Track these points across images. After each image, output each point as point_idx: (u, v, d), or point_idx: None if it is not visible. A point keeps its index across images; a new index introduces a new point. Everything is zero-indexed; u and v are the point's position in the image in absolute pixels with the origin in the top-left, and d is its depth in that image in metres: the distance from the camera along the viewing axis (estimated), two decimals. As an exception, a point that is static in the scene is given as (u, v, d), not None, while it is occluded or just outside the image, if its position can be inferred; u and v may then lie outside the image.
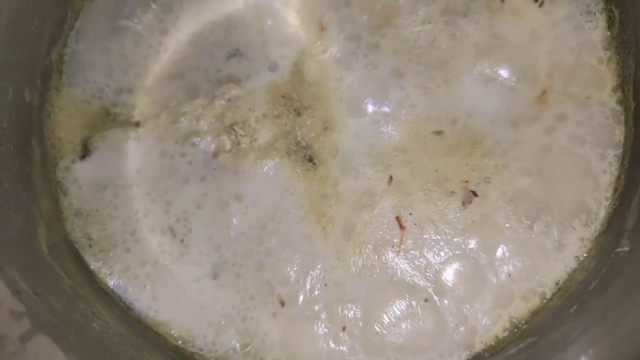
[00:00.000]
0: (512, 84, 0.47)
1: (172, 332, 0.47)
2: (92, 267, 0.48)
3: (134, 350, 0.41)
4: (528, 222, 0.44)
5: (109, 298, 0.46)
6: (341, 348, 0.44)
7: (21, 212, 0.44)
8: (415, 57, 0.49)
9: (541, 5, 0.48)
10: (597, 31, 0.47)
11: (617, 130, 0.45)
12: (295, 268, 0.46)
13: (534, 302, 0.43)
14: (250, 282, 0.48)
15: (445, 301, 0.43)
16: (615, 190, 0.44)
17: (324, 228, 0.47)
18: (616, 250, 0.39)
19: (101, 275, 0.48)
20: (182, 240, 0.49)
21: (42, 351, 0.33)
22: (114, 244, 0.49)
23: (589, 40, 0.47)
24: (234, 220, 0.49)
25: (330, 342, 0.44)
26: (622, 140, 0.45)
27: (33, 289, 0.37)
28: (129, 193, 0.50)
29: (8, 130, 0.45)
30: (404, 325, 0.43)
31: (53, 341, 0.34)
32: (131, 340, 0.42)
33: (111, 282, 0.48)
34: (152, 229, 0.50)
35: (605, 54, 0.47)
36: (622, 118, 0.45)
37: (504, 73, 0.48)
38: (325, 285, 0.45)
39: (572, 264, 0.43)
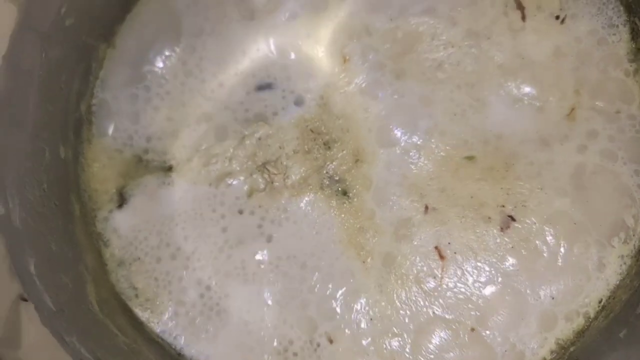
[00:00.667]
0: (540, 103, 0.47)
1: (225, 373, 0.48)
2: (140, 317, 0.49)
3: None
4: (567, 244, 0.44)
5: (161, 347, 0.47)
6: (393, 381, 0.45)
7: (70, 272, 0.45)
8: (440, 82, 0.49)
9: (563, 22, 0.48)
10: (621, 44, 0.47)
11: (650, 143, 0.45)
12: (339, 303, 0.47)
13: (579, 322, 0.44)
14: (297, 320, 0.48)
15: (491, 328, 0.44)
16: (651, 205, 0.44)
17: (364, 261, 0.48)
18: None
19: (150, 325, 0.49)
20: (227, 284, 0.50)
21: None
22: (159, 292, 0.50)
23: (613, 54, 0.47)
24: (275, 259, 0.50)
25: (382, 375, 0.45)
26: (655, 153, 0.45)
27: (93, 354, 0.38)
28: (168, 238, 0.51)
29: (48, 190, 0.46)
30: (452, 355, 0.44)
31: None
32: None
33: (160, 330, 0.49)
34: (195, 273, 0.50)
35: (631, 66, 0.47)
36: (654, 131, 0.45)
37: (530, 92, 0.48)
38: (371, 319, 0.46)
39: (614, 281, 0.44)
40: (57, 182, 0.48)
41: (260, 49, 0.53)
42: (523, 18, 0.49)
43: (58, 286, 0.41)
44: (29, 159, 0.45)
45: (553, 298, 0.44)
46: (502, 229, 0.45)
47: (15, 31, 0.42)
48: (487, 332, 0.44)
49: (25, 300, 0.37)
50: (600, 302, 0.44)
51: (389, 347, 0.45)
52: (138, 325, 0.48)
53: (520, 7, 0.49)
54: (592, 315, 0.43)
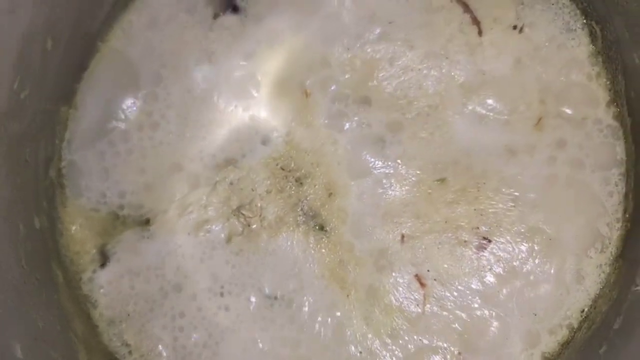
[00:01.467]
0: (506, 116, 0.47)
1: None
2: (136, 375, 0.49)
3: None
4: (544, 260, 0.44)
5: (159, 401, 0.48)
6: (389, 413, 0.45)
7: (59, 346, 0.45)
8: (404, 107, 0.49)
9: (521, 31, 0.48)
10: (581, 48, 0.47)
11: (617, 147, 0.45)
12: (327, 341, 0.47)
13: (563, 334, 0.44)
14: None
15: (477, 351, 0.44)
16: (624, 210, 0.44)
17: (347, 295, 0.48)
18: (634, 289, 0.39)
19: (147, 379, 0.50)
20: (217, 330, 0.51)
21: None
22: (153, 345, 0.51)
23: (574, 58, 0.47)
24: (263, 301, 0.50)
25: (379, 409, 0.46)
26: (624, 157, 0.44)
27: None
28: (153, 291, 0.52)
29: (28, 265, 0.47)
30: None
31: None
32: None
33: (158, 383, 0.50)
34: (184, 323, 0.51)
35: (593, 69, 0.47)
36: (621, 134, 0.45)
37: (495, 107, 0.48)
38: (360, 353, 0.46)
39: (595, 291, 0.44)
40: (36, 254, 0.48)
41: (220, 91, 0.53)
42: (480, 33, 0.48)
43: (47, 363, 0.42)
44: (3, 240, 0.45)
45: (535, 314, 0.44)
46: (478, 251, 0.45)
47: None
48: (474, 355, 0.44)
49: (14, 391, 0.37)
50: (582, 312, 0.44)
51: (380, 380, 0.46)
52: (135, 385, 0.48)
53: (476, 21, 0.48)
54: (575, 326, 0.44)
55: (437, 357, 0.45)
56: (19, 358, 0.40)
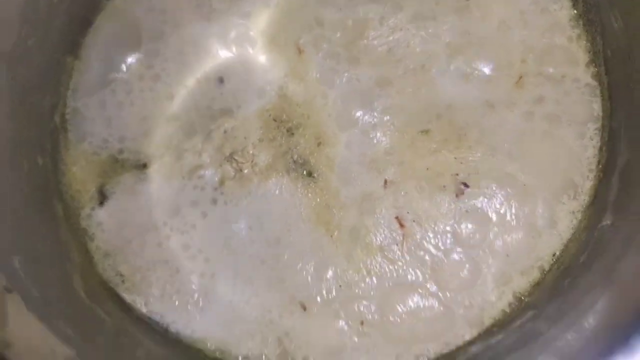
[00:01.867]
0: (489, 74, 0.50)
1: (210, 345, 0.51)
2: (128, 300, 0.52)
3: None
4: (519, 205, 0.47)
5: (148, 326, 0.50)
6: (363, 340, 0.48)
7: (56, 269, 0.48)
8: (392, 65, 0.52)
9: (504, -6, 0.50)
10: (563, 11, 0.49)
11: (594, 104, 0.47)
12: (311, 275, 0.50)
13: (534, 276, 0.46)
14: (274, 293, 0.51)
15: (451, 289, 0.46)
16: (598, 162, 0.46)
17: (331, 236, 0.50)
18: (600, 225, 0.42)
19: (137, 306, 0.52)
20: (207, 262, 0.53)
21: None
22: (144, 276, 0.53)
23: (556, 22, 0.49)
24: (251, 241, 0.53)
25: (354, 336, 0.48)
26: (600, 113, 0.47)
27: (80, 335, 0.41)
28: (148, 228, 0.54)
29: (30, 196, 0.49)
30: (417, 315, 0.47)
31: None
32: (173, 354, 0.47)
33: (147, 311, 0.52)
34: (176, 257, 0.53)
35: (574, 32, 0.49)
36: (598, 92, 0.48)
37: (479, 66, 0.50)
38: (340, 286, 0.49)
39: (567, 235, 0.46)
40: (38, 189, 0.51)
41: (219, 47, 0.56)
42: (466, -5, 0.51)
43: (44, 280, 0.44)
44: (8, 168, 0.48)
45: (508, 255, 0.47)
46: (456, 196, 0.47)
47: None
48: (448, 291, 0.47)
49: (10, 291, 0.40)
50: (554, 255, 0.46)
51: (357, 310, 0.48)
52: (125, 308, 0.51)
53: (463, -16, 0.51)
54: (546, 268, 0.46)
55: (413, 293, 0.47)
56: (16, 267, 0.42)
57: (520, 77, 0.48)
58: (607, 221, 0.40)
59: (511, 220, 0.46)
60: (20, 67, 0.48)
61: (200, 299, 0.53)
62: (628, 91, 0.42)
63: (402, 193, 0.49)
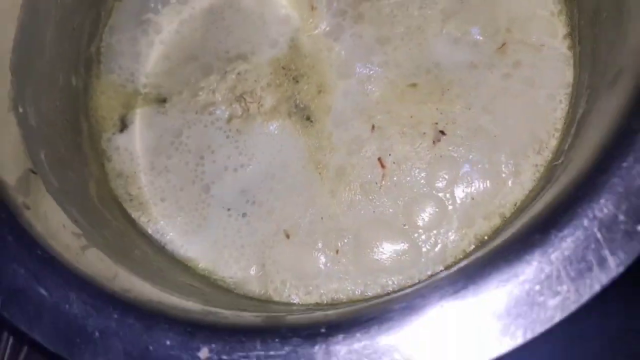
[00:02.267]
0: (476, 39, 0.55)
1: (200, 265, 0.57)
2: (133, 215, 0.58)
3: (168, 272, 0.51)
4: (488, 153, 0.51)
5: (148, 238, 0.56)
6: (336, 268, 0.53)
7: (75, 172, 0.54)
8: (392, 25, 0.58)
9: (497, -30, 0.56)
10: (548, -12, 0.54)
11: (567, 72, 0.52)
12: (297, 207, 0.55)
13: (496, 222, 0.51)
14: (263, 222, 0.57)
15: (419, 227, 0.51)
16: (564, 123, 0.51)
17: (320, 173, 0.56)
18: (553, 164, 0.46)
19: (140, 222, 0.58)
20: (207, 192, 0.59)
21: (96, 258, 0.43)
22: (149, 200, 0.60)
23: (541, -3, 0.55)
24: (249, 174, 0.58)
25: (328, 263, 0.53)
26: (571, 80, 0.52)
27: (88, 223, 0.48)
28: (159, 157, 0.61)
29: (61, 107, 0.56)
30: (387, 249, 0.52)
31: (104, 254, 0.44)
32: (166, 266, 0.53)
33: (149, 227, 0.58)
34: (180, 185, 0.59)
35: (556, 7, 0.54)
36: (571, 62, 0.52)
37: (468, 31, 0.56)
38: (322, 218, 0.54)
39: (529, 186, 0.50)
40: (69, 103, 0.58)
41: (244, 0, 0.62)
42: (463, -32, 0.56)
43: (64, 176, 0.51)
44: (45, 80, 0.55)
45: (473, 199, 0.51)
46: (434, 142, 0.52)
47: (36, -25, 0.52)
48: (415, 229, 0.52)
49: (35, 173, 0.46)
50: (515, 204, 0.51)
51: (334, 241, 0.53)
52: (130, 220, 0.57)
53: (461, -41, 0.57)
54: (507, 215, 0.50)
55: (386, 228, 0.52)
56: (41, 159, 0.49)
57: (504, 44, 0.53)
58: (559, 161, 0.45)
59: (479, 168, 0.51)
60: (69, -4, 0.56)
61: (198, 224, 0.58)
62: (592, 53, 0.46)
63: (387, 137, 0.54)
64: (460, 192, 0.52)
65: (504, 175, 0.51)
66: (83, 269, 0.42)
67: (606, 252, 0.32)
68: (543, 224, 0.33)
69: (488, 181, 0.51)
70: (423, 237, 0.52)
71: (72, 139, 0.57)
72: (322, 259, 0.54)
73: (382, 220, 0.53)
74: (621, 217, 0.32)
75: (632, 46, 0.36)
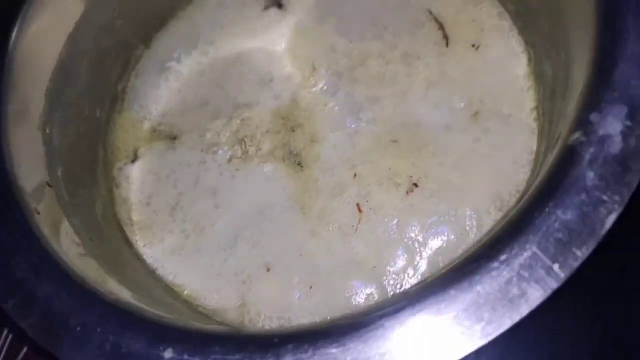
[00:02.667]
0: (453, 105, 0.61)
1: (185, 291, 0.62)
2: (131, 238, 0.64)
3: (154, 290, 0.56)
4: (454, 208, 0.56)
5: (141, 261, 0.62)
6: (308, 303, 0.57)
7: (86, 191, 0.61)
8: (381, 87, 0.65)
9: (477, 49, 0.63)
10: (520, 67, 0.61)
11: (531, 140, 0.57)
12: (279, 243, 0.60)
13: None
14: (248, 255, 0.62)
15: (387, 271, 0.56)
16: (526, 185, 0.56)
17: (304, 213, 0.61)
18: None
19: (137, 245, 0.64)
20: (201, 224, 0.65)
21: (91, 266, 0.49)
22: (149, 226, 0.66)
23: (514, 74, 0.61)
24: (241, 210, 0.64)
25: (302, 298, 0.57)
26: (534, 148, 0.57)
27: (88, 235, 0.54)
28: (164, 189, 0.67)
29: (83, 134, 0.64)
30: (356, 289, 0.56)
31: (99, 264, 0.50)
32: (154, 286, 0.58)
33: (144, 252, 0.64)
34: (178, 217, 0.65)
35: (526, 84, 0.61)
36: (536, 132, 0.58)
37: (447, 99, 0.62)
38: (300, 255, 0.59)
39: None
40: (90, 132, 0.66)
41: (253, 58, 0.71)
42: (447, 45, 0.64)
43: (75, 192, 0.58)
44: (73, 109, 0.63)
45: (439, 247, 0.56)
46: (407, 193, 0.58)
47: (79, 20, 0.62)
48: (383, 271, 0.56)
49: (50, 185, 0.53)
50: (477, 255, 0.55)
51: (309, 277, 0.58)
52: (127, 242, 0.63)
53: (446, 37, 0.64)
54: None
55: (357, 267, 0.57)
56: (58, 176, 0.56)
57: (477, 112, 0.60)
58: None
59: (445, 220, 0.56)
60: (106, 38, 0.65)
61: (189, 254, 0.64)
62: (549, 125, 0.52)
63: (366, 185, 0.60)
64: (427, 240, 0.56)
65: (467, 227, 0.55)
66: (77, 271, 0.47)
67: (526, 286, 0.36)
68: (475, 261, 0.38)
69: (453, 232, 0.56)
70: (390, 280, 0.56)
71: (88, 162, 0.64)
72: (297, 294, 0.58)
73: (354, 261, 0.58)
74: (541, 256, 0.36)
75: (568, 116, 0.42)
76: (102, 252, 0.55)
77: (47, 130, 0.57)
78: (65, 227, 0.52)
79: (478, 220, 0.55)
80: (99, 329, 0.43)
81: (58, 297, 0.45)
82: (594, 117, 0.38)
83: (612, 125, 0.37)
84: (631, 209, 0.36)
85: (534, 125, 0.59)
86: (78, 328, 0.43)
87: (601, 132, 0.37)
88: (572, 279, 0.36)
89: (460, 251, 0.55)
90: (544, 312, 0.36)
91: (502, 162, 0.57)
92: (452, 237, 0.56)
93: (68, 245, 0.48)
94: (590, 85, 0.39)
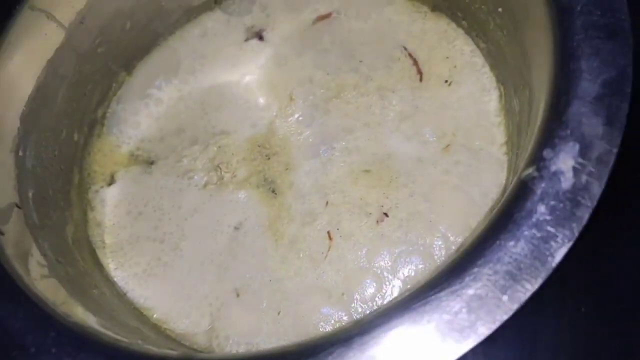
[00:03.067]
0: (426, 138, 0.63)
1: (155, 315, 0.61)
2: (102, 261, 0.64)
3: (120, 314, 0.56)
4: (423, 237, 0.57)
5: (111, 283, 0.61)
6: (276, 328, 0.56)
7: (57, 213, 0.61)
8: (355, 119, 0.66)
9: (450, 85, 0.65)
10: (491, 103, 0.63)
11: (501, 174, 0.59)
12: (250, 269, 0.60)
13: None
14: (219, 280, 0.62)
15: (355, 298, 0.56)
16: (495, 216, 0.56)
17: (276, 240, 0.61)
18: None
19: (108, 268, 0.63)
20: (174, 250, 0.65)
21: (52, 287, 0.48)
22: (122, 249, 0.65)
23: (485, 109, 0.63)
24: (213, 235, 0.64)
25: (270, 323, 0.57)
26: (503, 182, 0.58)
27: (55, 257, 0.53)
28: (138, 213, 0.67)
29: (58, 157, 0.64)
30: (324, 315, 0.56)
31: (62, 285, 0.49)
32: (121, 309, 0.57)
33: (115, 275, 0.63)
34: (151, 241, 0.65)
35: (497, 119, 0.62)
36: (506, 166, 0.59)
37: (420, 132, 0.63)
38: (270, 281, 0.59)
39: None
40: (67, 155, 0.66)
41: (232, 90, 0.72)
42: (421, 80, 0.66)
43: (45, 214, 0.58)
44: (49, 132, 0.63)
45: (407, 276, 0.56)
46: (377, 222, 0.58)
47: (60, 47, 0.63)
48: (351, 301, 0.56)
49: (19, 207, 0.53)
50: (445, 285, 0.55)
51: (277, 303, 0.58)
52: (98, 264, 0.62)
53: (420, 72, 0.66)
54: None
55: (325, 295, 0.57)
56: (29, 197, 0.56)
57: (448, 145, 0.61)
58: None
59: (414, 249, 0.56)
60: (86, 64, 0.66)
61: (161, 278, 0.64)
62: (515, 159, 0.53)
63: (337, 213, 0.60)
64: (396, 269, 0.56)
65: (436, 257, 0.56)
66: (37, 292, 0.47)
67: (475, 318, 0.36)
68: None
69: (422, 261, 0.56)
70: (358, 308, 0.56)
71: (61, 185, 0.64)
72: (265, 319, 0.58)
73: (323, 288, 0.58)
74: (491, 287, 0.37)
75: (527, 151, 0.43)
76: (68, 274, 0.54)
77: (20, 153, 0.57)
78: (31, 248, 0.52)
79: (447, 250, 0.56)
80: (53, 350, 0.43)
81: (15, 316, 0.44)
82: (547, 153, 0.39)
83: (564, 161, 0.38)
84: (607, 208, 0.37)
85: (504, 159, 0.60)
86: (33, 349, 0.43)
87: (553, 168, 0.38)
88: (551, 279, 0.36)
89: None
90: (524, 313, 0.36)
91: (471, 194, 0.58)
92: (421, 266, 0.56)
93: (31, 267, 0.48)
94: (545, 122, 0.40)
